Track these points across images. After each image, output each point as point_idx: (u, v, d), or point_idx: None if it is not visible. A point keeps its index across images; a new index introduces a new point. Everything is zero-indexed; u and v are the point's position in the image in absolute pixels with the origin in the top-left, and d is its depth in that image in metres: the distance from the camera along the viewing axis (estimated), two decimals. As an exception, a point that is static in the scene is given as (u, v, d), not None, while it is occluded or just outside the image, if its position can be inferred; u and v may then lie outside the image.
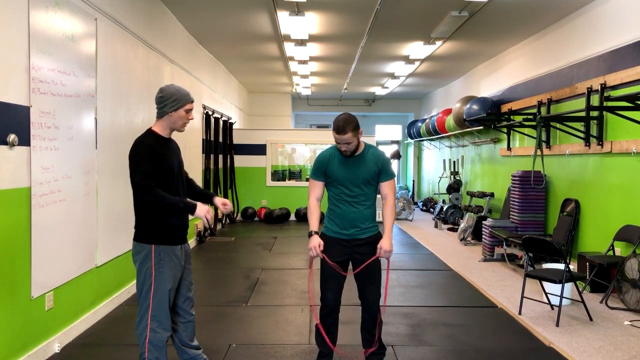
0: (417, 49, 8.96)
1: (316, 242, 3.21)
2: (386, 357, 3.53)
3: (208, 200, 3.22)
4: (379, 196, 3.39)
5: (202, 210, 2.68)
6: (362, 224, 3.29)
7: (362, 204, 3.29)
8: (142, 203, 2.87)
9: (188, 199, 2.87)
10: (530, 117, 6.84)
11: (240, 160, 11.40)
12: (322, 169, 3.36)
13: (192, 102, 2.99)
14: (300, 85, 13.35)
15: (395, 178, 3.50)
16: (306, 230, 3.37)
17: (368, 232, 3.31)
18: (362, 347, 3.45)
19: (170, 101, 2.91)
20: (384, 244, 3.22)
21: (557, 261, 5.37)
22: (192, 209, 2.78)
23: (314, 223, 3.28)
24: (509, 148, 8.52)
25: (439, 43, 8.42)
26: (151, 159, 2.84)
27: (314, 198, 3.37)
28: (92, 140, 4.44)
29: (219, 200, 3.16)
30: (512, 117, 8.22)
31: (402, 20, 7.26)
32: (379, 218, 3.34)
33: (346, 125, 3.18)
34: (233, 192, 11.00)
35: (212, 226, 2.79)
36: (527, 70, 8.09)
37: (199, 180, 8.43)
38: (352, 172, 3.28)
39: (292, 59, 9.80)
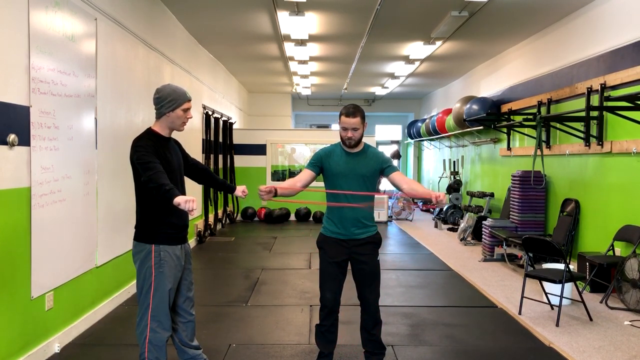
0: (417, 49, 8.96)
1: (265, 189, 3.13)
2: (386, 357, 3.53)
3: (230, 190, 3.33)
4: (377, 197, 3.39)
5: (181, 199, 2.58)
6: (361, 224, 3.28)
7: (361, 202, 3.28)
8: (145, 190, 2.84)
9: (175, 190, 2.72)
10: (530, 117, 6.84)
11: (240, 160, 11.40)
12: (319, 162, 3.36)
13: (189, 100, 2.98)
14: (300, 85, 13.35)
15: None
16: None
17: (367, 232, 3.31)
18: (362, 347, 3.45)
19: (167, 102, 2.90)
20: (433, 194, 3.12)
21: (557, 261, 5.37)
22: (172, 197, 2.62)
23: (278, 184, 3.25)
24: (509, 148, 8.52)
25: (439, 43, 8.42)
26: (155, 147, 2.86)
27: (296, 178, 3.37)
28: (92, 140, 4.44)
29: (239, 189, 3.28)
30: (512, 117, 8.22)
31: (402, 20, 7.26)
32: (378, 218, 3.34)
33: (357, 110, 3.25)
34: (233, 192, 10.98)
35: (191, 210, 2.71)
36: (527, 70, 8.09)
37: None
38: (352, 168, 3.28)
39: (292, 59, 9.80)
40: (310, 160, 3.42)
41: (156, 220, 2.90)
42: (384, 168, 3.33)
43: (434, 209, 2.88)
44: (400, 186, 3.36)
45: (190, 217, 3.07)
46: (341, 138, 3.30)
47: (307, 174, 3.37)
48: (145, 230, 2.91)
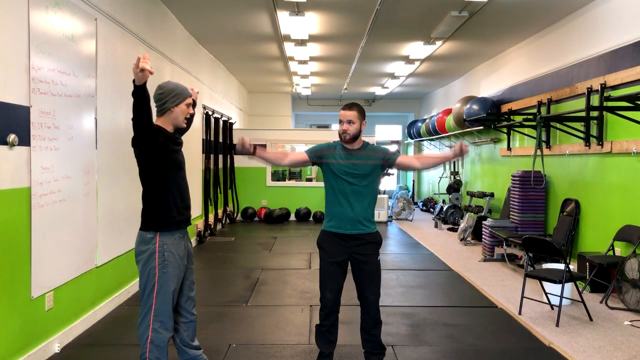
0: (417, 49, 8.96)
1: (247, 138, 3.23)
2: (386, 357, 3.53)
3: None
4: (377, 197, 3.40)
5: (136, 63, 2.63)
6: (362, 221, 3.28)
7: (361, 200, 3.28)
8: (149, 178, 2.90)
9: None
10: (530, 117, 6.84)
11: (240, 160, 11.39)
12: (319, 153, 3.36)
13: (191, 96, 3.06)
14: (300, 85, 13.35)
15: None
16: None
17: (367, 229, 3.30)
18: (362, 348, 3.45)
19: (171, 97, 2.93)
20: (455, 149, 3.22)
21: (557, 261, 5.37)
22: (135, 83, 2.68)
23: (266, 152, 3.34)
24: (509, 148, 8.52)
25: (439, 43, 8.42)
26: (165, 142, 2.90)
27: (287, 153, 3.41)
28: (92, 140, 4.44)
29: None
30: (512, 117, 8.22)
31: (402, 20, 7.26)
32: (378, 218, 3.34)
33: (354, 104, 3.31)
34: (233, 192, 11.00)
35: (142, 67, 2.71)
36: (527, 70, 8.09)
37: (198, 180, 8.43)
38: (352, 165, 3.27)
39: (292, 59, 9.80)
40: (311, 147, 3.43)
41: (159, 205, 2.91)
42: (387, 159, 3.33)
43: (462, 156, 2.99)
44: (412, 165, 3.47)
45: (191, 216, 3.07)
46: (339, 134, 3.31)
47: (300, 156, 3.42)
48: (150, 216, 2.93)
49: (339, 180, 3.28)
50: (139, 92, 2.67)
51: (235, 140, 11.20)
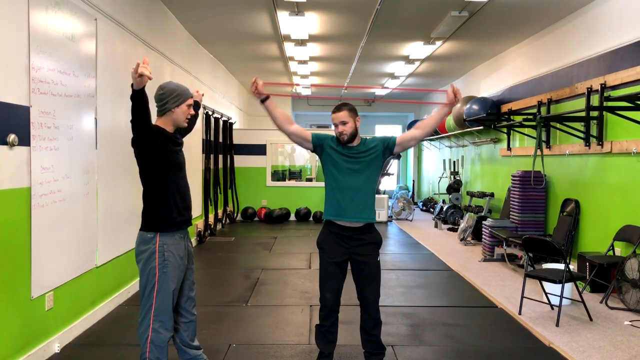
0: (417, 49, 8.96)
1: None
2: (386, 357, 3.53)
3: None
4: (377, 197, 3.40)
5: (134, 71, 2.62)
6: (363, 211, 3.27)
7: (362, 193, 3.27)
8: (149, 178, 2.91)
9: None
10: (530, 117, 6.84)
11: (240, 160, 11.40)
12: (321, 141, 3.36)
13: (192, 97, 3.07)
14: (301, 85, 13.33)
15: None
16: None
17: (368, 219, 3.29)
18: (362, 348, 3.45)
19: (173, 97, 2.94)
20: (448, 97, 3.27)
21: (557, 261, 5.38)
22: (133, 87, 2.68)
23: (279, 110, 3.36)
24: (509, 148, 8.52)
25: (439, 43, 8.42)
26: (164, 143, 2.90)
27: (294, 123, 3.41)
28: (92, 140, 4.44)
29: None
30: (512, 117, 8.22)
31: (402, 20, 7.26)
32: (378, 218, 3.33)
33: (343, 105, 3.32)
34: (233, 192, 11.00)
35: (141, 73, 2.71)
36: (527, 70, 8.10)
37: (199, 180, 8.43)
38: (353, 157, 3.28)
39: (292, 59, 9.80)
40: (317, 133, 3.42)
41: (160, 206, 2.92)
42: (387, 144, 3.34)
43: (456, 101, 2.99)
44: (414, 137, 3.43)
45: (188, 206, 3.08)
46: (336, 137, 3.32)
47: (305, 133, 3.40)
48: (151, 217, 2.93)
49: (340, 171, 3.29)
50: (137, 96, 2.68)
51: (235, 141, 11.21)
